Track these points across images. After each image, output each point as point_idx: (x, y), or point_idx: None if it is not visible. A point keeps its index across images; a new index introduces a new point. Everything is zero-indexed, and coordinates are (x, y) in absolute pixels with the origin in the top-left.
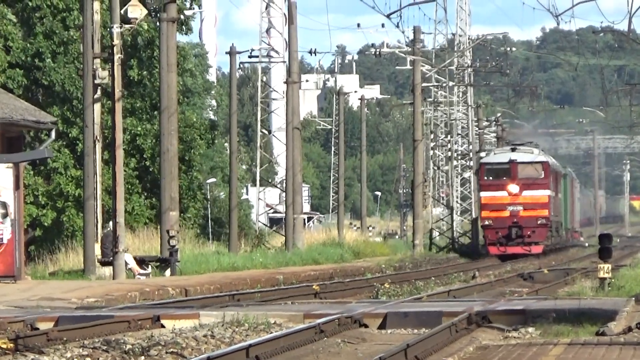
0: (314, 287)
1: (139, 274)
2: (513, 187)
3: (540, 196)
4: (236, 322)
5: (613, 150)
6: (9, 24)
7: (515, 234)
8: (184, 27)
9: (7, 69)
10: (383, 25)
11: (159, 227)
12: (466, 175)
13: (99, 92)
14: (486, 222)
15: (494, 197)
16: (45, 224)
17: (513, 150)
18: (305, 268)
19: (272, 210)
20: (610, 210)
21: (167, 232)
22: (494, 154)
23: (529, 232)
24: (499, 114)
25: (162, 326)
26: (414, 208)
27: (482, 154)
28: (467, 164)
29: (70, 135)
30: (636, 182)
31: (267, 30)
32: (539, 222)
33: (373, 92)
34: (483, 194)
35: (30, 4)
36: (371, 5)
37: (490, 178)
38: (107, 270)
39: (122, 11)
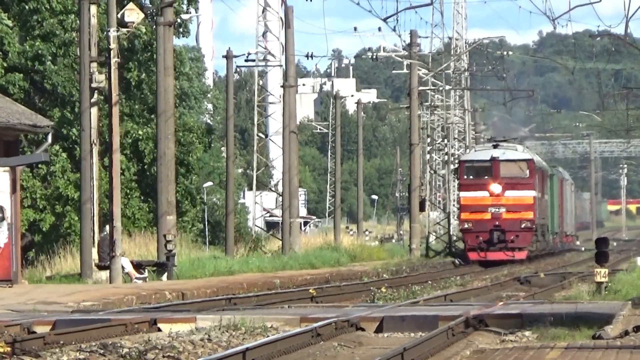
0: (310, 291)
1: (136, 278)
2: (495, 187)
3: (524, 197)
4: (233, 326)
5: (610, 154)
6: (5, 28)
7: (497, 238)
8: (181, 29)
9: (6, 73)
10: (380, 29)
11: (156, 231)
12: None
13: (96, 95)
14: (466, 225)
15: (474, 197)
16: (44, 229)
17: (495, 147)
18: (302, 272)
19: (268, 214)
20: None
21: (164, 236)
22: (475, 150)
23: (512, 237)
24: (495, 118)
25: (159, 330)
26: (410, 212)
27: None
28: None
29: (70, 138)
30: (632, 186)
31: (264, 34)
32: (523, 225)
33: (370, 96)
34: (462, 194)
35: (27, 7)
36: (368, 10)
37: (471, 177)
38: (104, 275)
39: (119, 15)
